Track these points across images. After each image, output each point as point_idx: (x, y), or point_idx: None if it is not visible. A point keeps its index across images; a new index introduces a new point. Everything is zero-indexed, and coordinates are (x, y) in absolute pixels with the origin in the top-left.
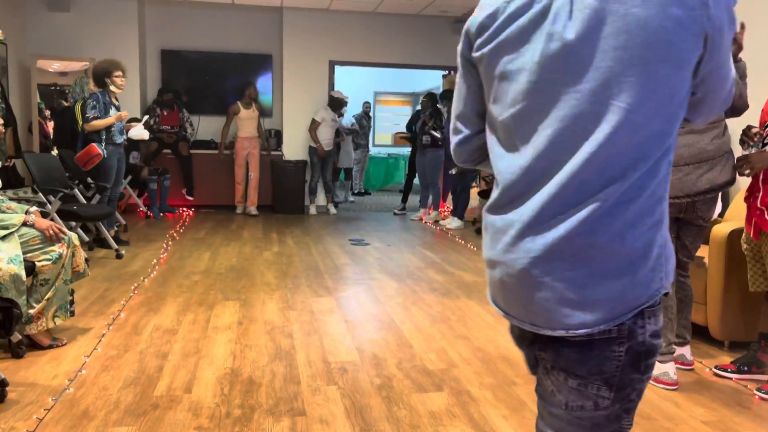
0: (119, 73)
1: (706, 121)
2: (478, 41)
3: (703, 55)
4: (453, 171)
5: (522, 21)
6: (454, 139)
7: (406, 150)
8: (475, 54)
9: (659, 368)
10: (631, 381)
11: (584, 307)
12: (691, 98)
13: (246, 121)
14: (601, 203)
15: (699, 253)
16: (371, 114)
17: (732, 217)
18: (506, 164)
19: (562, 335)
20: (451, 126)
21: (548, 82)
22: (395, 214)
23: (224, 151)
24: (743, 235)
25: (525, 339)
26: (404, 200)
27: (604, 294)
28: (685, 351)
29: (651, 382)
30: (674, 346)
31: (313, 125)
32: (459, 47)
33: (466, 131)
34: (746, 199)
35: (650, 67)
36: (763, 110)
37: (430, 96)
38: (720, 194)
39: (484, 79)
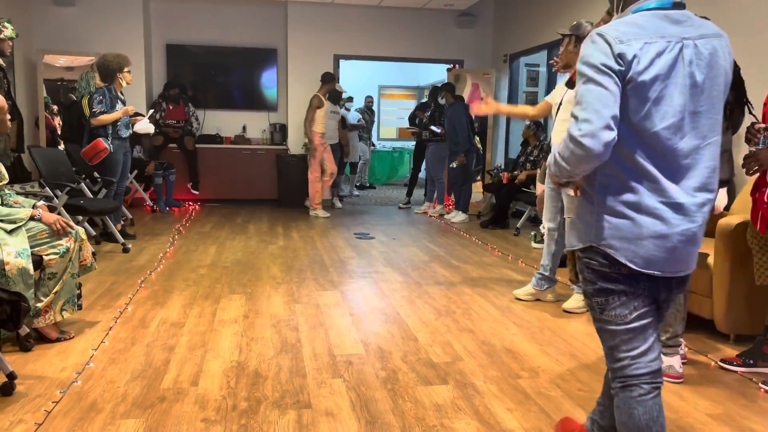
0: (129, 68)
1: None
2: (637, 68)
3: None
4: (454, 164)
5: (666, 59)
6: (605, 137)
7: (411, 144)
8: (638, 78)
9: (665, 361)
10: None
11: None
12: None
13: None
14: (715, 186)
15: (703, 250)
16: (375, 108)
17: (738, 210)
18: (658, 162)
19: (689, 272)
20: (602, 124)
21: (686, 106)
22: (400, 208)
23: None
24: (749, 228)
25: (666, 287)
26: (409, 194)
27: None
28: (674, 361)
29: None
30: (680, 339)
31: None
32: (603, 60)
33: (616, 131)
34: (752, 192)
35: (725, 95)
36: (765, 105)
37: (432, 93)
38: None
39: (634, 98)
